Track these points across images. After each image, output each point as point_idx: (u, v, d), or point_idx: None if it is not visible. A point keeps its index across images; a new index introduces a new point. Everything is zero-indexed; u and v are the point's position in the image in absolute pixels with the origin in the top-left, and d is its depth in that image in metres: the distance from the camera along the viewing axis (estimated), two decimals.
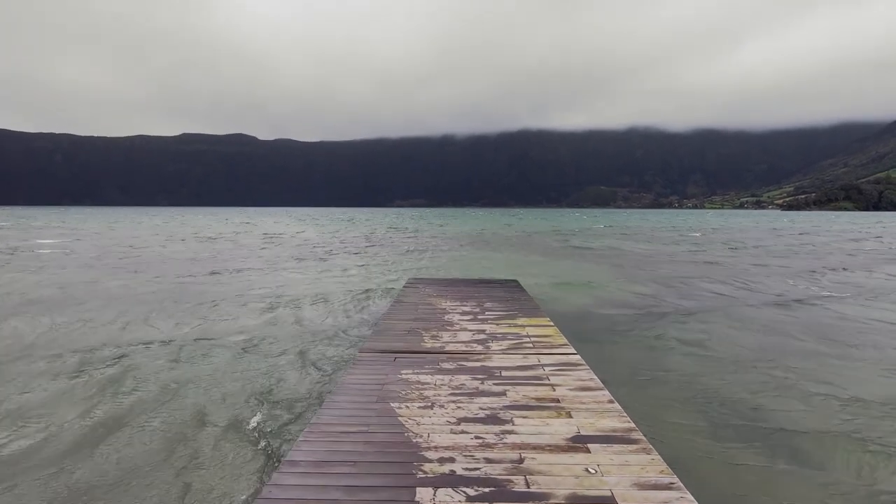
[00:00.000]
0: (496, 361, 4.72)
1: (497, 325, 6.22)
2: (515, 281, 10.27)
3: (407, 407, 3.60)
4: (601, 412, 3.50)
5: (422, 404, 3.65)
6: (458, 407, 3.60)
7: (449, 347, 5.19)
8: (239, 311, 9.72)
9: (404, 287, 9.25)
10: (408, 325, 6.20)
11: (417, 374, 4.35)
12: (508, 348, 5.16)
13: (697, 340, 7.80)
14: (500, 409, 3.55)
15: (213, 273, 15.34)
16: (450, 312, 6.96)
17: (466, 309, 7.19)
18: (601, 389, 3.95)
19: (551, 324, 6.31)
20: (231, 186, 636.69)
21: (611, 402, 3.70)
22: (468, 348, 5.16)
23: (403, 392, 3.90)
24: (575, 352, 5.05)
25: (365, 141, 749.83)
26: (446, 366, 4.58)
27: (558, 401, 3.72)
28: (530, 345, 5.29)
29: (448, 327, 6.09)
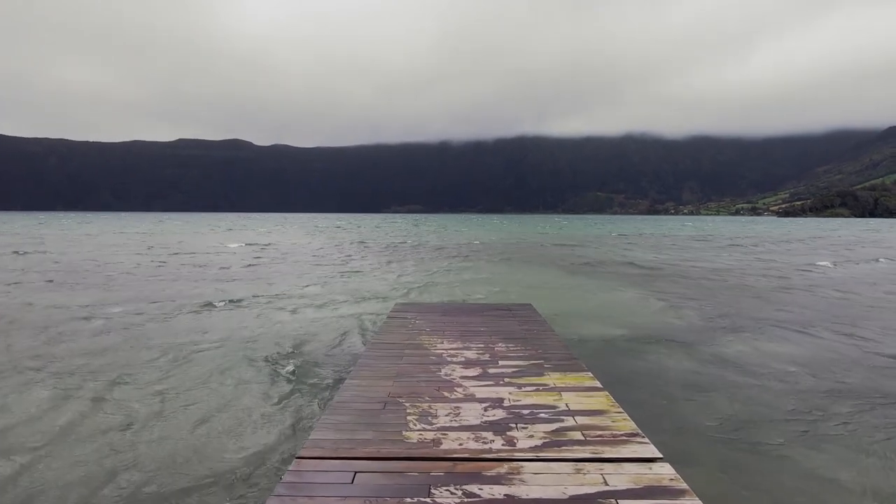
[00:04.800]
0: (530, 481, 2.70)
1: (519, 388, 4.19)
2: (529, 305, 8.26)
3: None
4: None
5: None
6: None
7: (448, 443, 3.15)
8: None
9: (388, 318, 7.09)
10: (385, 388, 4.17)
11: None
12: (545, 444, 3.14)
13: None
14: None
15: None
16: (448, 362, 4.92)
17: (471, 356, 5.16)
18: None
19: (598, 384, 4.28)
20: (227, 192, 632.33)
21: None
22: (480, 445, 3.13)
23: None
24: (657, 453, 3.02)
25: (362, 146, 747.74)
26: (445, 497, 2.56)
27: None
28: (580, 435, 3.27)
29: (446, 393, 4.05)
